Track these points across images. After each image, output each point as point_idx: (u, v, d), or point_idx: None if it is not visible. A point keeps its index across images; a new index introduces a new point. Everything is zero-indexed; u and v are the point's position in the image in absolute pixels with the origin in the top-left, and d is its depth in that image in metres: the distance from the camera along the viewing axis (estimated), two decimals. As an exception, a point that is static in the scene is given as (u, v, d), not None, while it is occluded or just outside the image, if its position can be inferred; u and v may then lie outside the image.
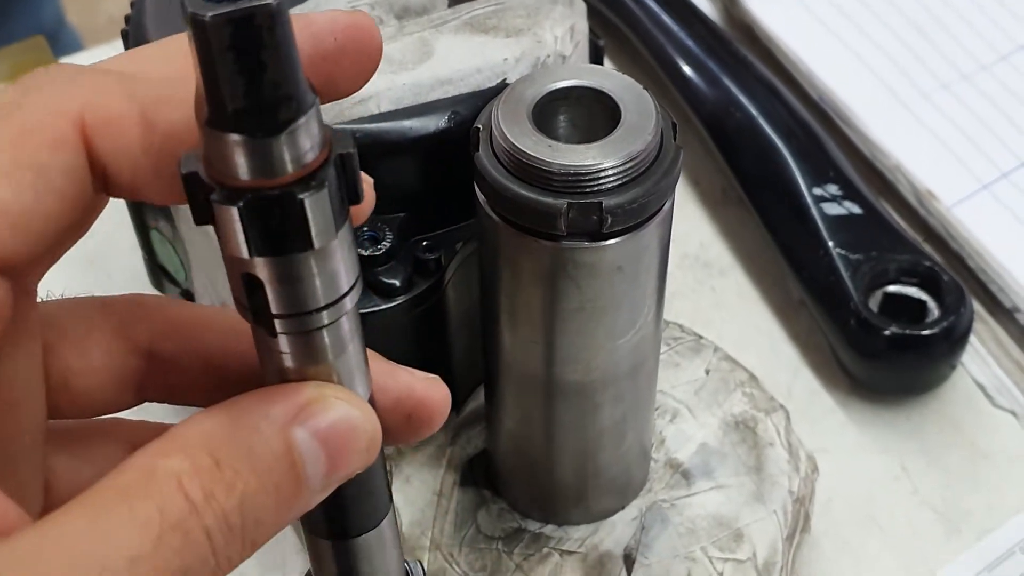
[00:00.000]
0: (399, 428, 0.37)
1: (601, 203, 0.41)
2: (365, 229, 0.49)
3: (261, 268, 0.30)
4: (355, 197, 0.30)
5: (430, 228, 0.51)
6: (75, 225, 0.32)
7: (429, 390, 0.37)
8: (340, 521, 0.36)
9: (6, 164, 0.30)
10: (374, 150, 0.48)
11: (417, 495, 0.55)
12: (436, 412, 0.38)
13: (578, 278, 0.43)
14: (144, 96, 0.32)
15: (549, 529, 0.54)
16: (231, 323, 0.37)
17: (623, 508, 0.54)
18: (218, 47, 0.26)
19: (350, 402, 0.33)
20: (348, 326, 0.32)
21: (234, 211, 0.28)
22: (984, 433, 0.63)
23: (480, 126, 0.43)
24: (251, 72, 0.27)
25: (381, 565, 0.38)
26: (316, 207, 0.28)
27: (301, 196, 0.28)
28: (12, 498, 0.30)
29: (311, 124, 0.28)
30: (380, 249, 0.49)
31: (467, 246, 0.51)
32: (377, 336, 0.49)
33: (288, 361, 0.32)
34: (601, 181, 0.41)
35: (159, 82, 0.33)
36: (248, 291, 0.30)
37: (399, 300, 0.49)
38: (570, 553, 0.53)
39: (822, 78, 0.75)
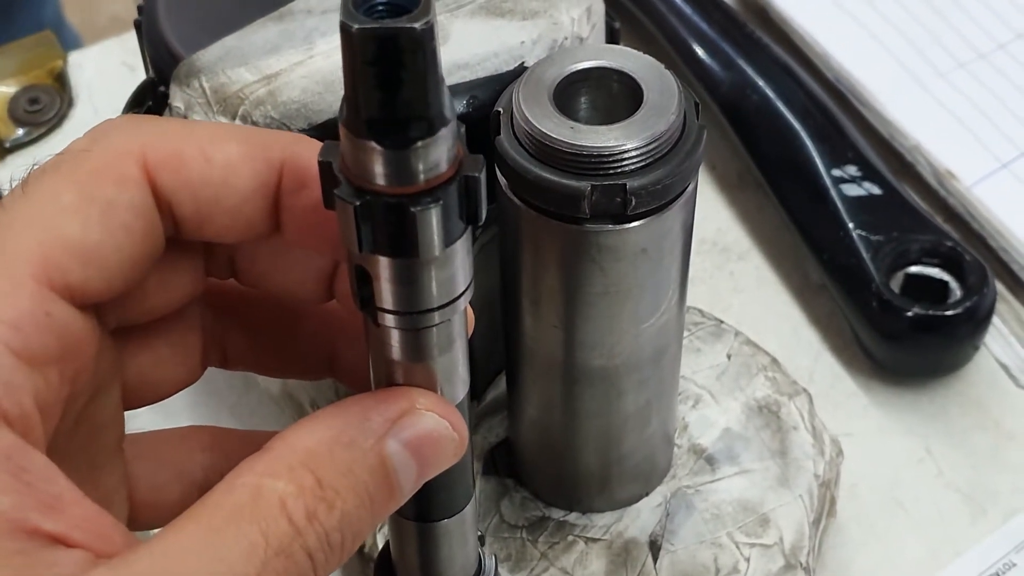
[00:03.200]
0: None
1: (625, 185, 0.40)
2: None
3: (370, 263, 0.32)
4: (475, 218, 0.32)
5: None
6: (146, 261, 0.34)
7: None
8: (426, 506, 0.38)
9: (75, 201, 0.32)
10: (392, 136, 0.47)
11: (439, 485, 0.54)
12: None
13: (602, 261, 0.43)
14: (202, 135, 0.34)
15: (573, 517, 0.53)
16: (275, 299, 0.40)
17: (647, 495, 0.54)
18: (361, 59, 0.28)
19: (439, 411, 0.35)
20: (452, 329, 0.34)
21: (351, 208, 0.30)
22: (1009, 414, 0.63)
23: (500, 110, 0.43)
24: (387, 87, 0.29)
25: (460, 548, 0.40)
26: (426, 222, 0.30)
27: (414, 209, 0.30)
28: (101, 506, 0.32)
29: (439, 145, 0.30)
30: (400, 236, 0.49)
31: (487, 232, 0.50)
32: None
33: (392, 354, 0.34)
34: (624, 162, 0.41)
35: (217, 125, 0.34)
36: (358, 280, 0.33)
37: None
38: (595, 540, 0.52)
39: (838, 59, 0.74)
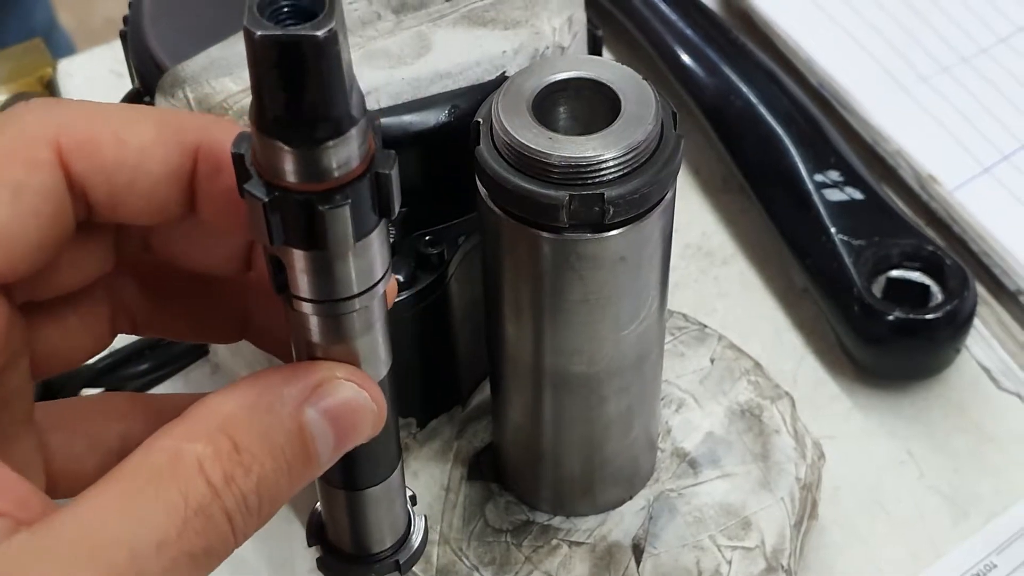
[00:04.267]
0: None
1: (603, 194, 0.41)
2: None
3: (283, 254, 0.32)
4: (387, 212, 0.32)
5: (432, 222, 0.51)
6: (55, 244, 0.34)
7: None
8: (352, 475, 0.39)
9: None
10: (375, 146, 0.48)
11: (425, 490, 0.55)
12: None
13: (581, 270, 0.43)
14: (117, 118, 0.34)
15: (557, 521, 0.54)
16: (198, 271, 0.40)
17: (631, 498, 0.54)
18: (264, 63, 0.29)
19: (357, 382, 0.35)
20: (371, 313, 0.35)
21: (259, 204, 0.31)
22: (990, 416, 0.63)
23: (480, 120, 0.43)
24: (291, 91, 0.29)
25: (387, 513, 0.41)
26: (335, 219, 0.31)
27: (322, 208, 0.31)
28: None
29: (347, 144, 0.30)
30: (383, 245, 0.49)
31: (470, 240, 0.51)
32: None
33: (311, 336, 0.35)
34: (602, 172, 0.41)
35: (132, 108, 0.35)
36: (273, 268, 0.33)
37: (403, 295, 0.49)
38: (579, 544, 0.53)
39: (821, 64, 0.75)
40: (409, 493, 0.43)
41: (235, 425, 0.33)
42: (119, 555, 0.30)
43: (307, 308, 0.34)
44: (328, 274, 0.33)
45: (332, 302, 0.34)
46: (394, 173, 0.31)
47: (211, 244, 0.38)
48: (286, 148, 0.30)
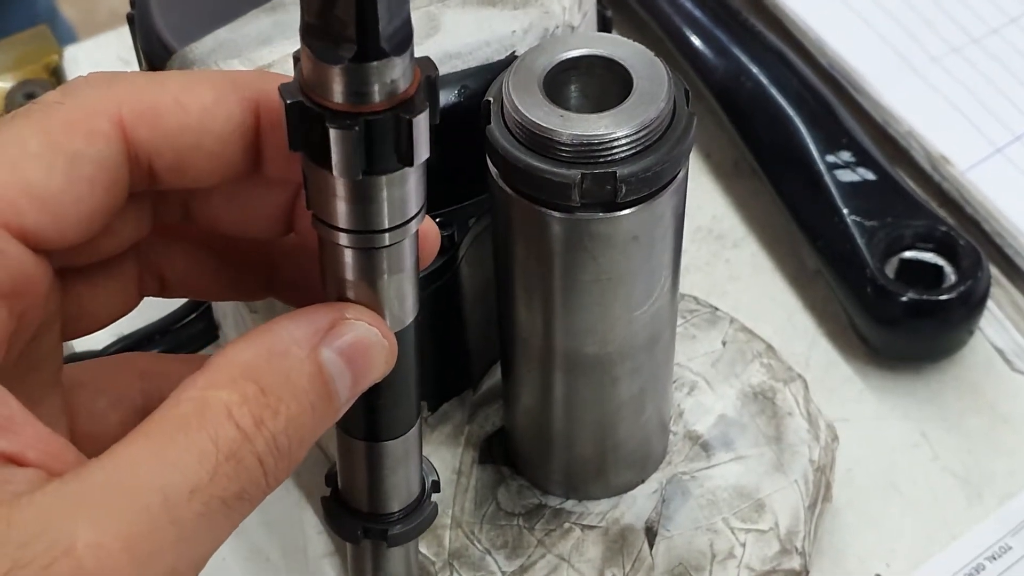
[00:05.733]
0: None
1: (615, 172, 0.41)
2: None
3: (370, 187, 0.33)
4: (435, 117, 0.33)
5: (442, 205, 0.50)
6: (106, 214, 0.35)
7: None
8: (374, 426, 0.40)
9: (41, 149, 0.33)
10: (384, 127, 0.48)
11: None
12: (427, 244, 0.39)
13: (593, 249, 0.43)
14: (175, 84, 0.35)
15: (570, 504, 0.54)
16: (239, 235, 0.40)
17: (643, 482, 0.54)
18: None
19: (367, 320, 0.36)
20: (403, 251, 0.36)
21: (350, 133, 0.31)
22: (1004, 398, 0.63)
23: (491, 99, 0.43)
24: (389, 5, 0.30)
25: (404, 468, 0.42)
26: (419, 127, 0.32)
27: (408, 117, 0.32)
28: None
29: (368, 74, 0.31)
30: (393, 227, 0.49)
31: (480, 222, 0.50)
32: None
33: (350, 274, 0.36)
34: (614, 150, 0.41)
35: (188, 73, 0.36)
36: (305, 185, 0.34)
37: (413, 278, 0.49)
38: (591, 527, 0.53)
39: (832, 45, 0.74)
40: (433, 478, 0.44)
41: (257, 370, 0.33)
42: (153, 500, 0.30)
43: (333, 236, 0.34)
44: (350, 201, 0.33)
45: (356, 233, 0.34)
46: (418, 120, 0.32)
47: (254, 205, 0.38)
48: (308, 53, 0.31)
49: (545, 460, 0.53)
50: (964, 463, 0.61)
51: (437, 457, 0.55)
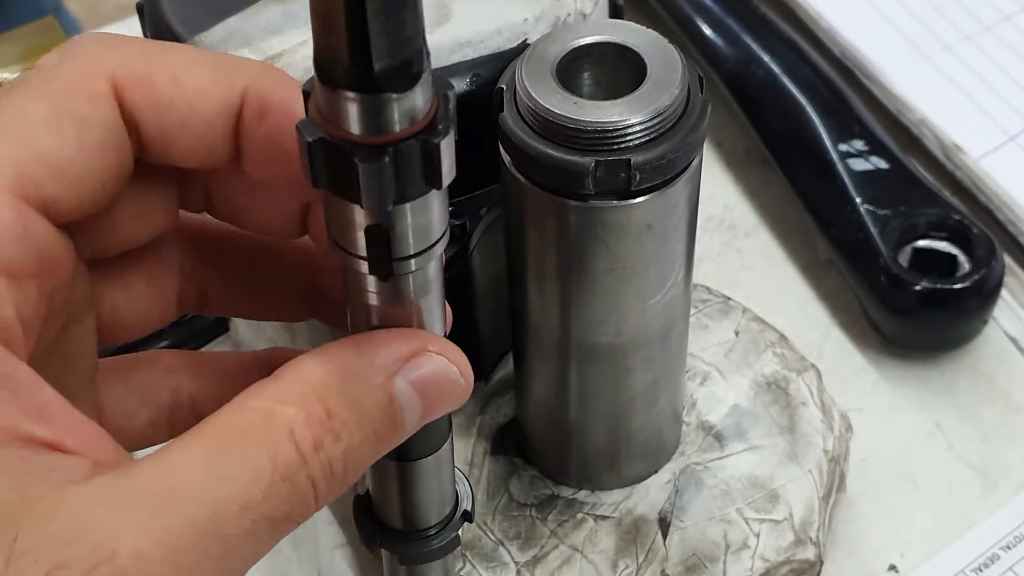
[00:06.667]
0: None
1: (629, 160, 0.40)
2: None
3: (396, 216, 0.32)
4: (434, 182, 0.32)
5: (454, 194, 0.49)
6: (117, 180, 0.34)
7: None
8: (405, 446, 0.38)
9: (48, 117, 0.32)
10: (395, 116, 0.47)
11: (448, 465, 0.54)
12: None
13: (607, 238, 0.43)
14: (174, 58, 0.34)
15: (582, 495, 0.53)
16: (255, 240, 0.40)
17: (656, 472, 0.54)
18: (373, 11, 0.28)
19: (448, 355, 0.35)
20: (428, 274, 0.35)
21: (380, 166, 0.30)
22: (1018, 387, 0.63)
23: (504, 86, 0.43)
24: (329, 34, 0.29)
25: (436, 484, 0.41)
26: (446, 149, 0.31)
27: (436, 140, 0.31)
28: None
29: (383, 106, 0.30)
30: (404, 216, 0.48)
31: (492, 211, 0.50)
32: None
33: (367, 298, 0.35)
34: (628, 138, 0.40)
35: (189, 49, 0.35)
36: (371, 242, 0.33)
37: (425, 267, 0.49)
38: (604, 518, 0.52)
39: (844, 33, 0.74)
40: (466, 507, 0.44)
41: (328, 391, 0.33)
42: (201, 512, 0.30)
43: (358, 265, 0.34)
44: (423, 221, 0.33)
45: (416, 256, 0.34)
46: (443, 144, 0.31)
47: (267, 201, 0.38)
48: (325, 89, 0.30)
49: (558, 451, 0.53)
50: (979, 453, 0.61)
51: (449, 448, 0.55)
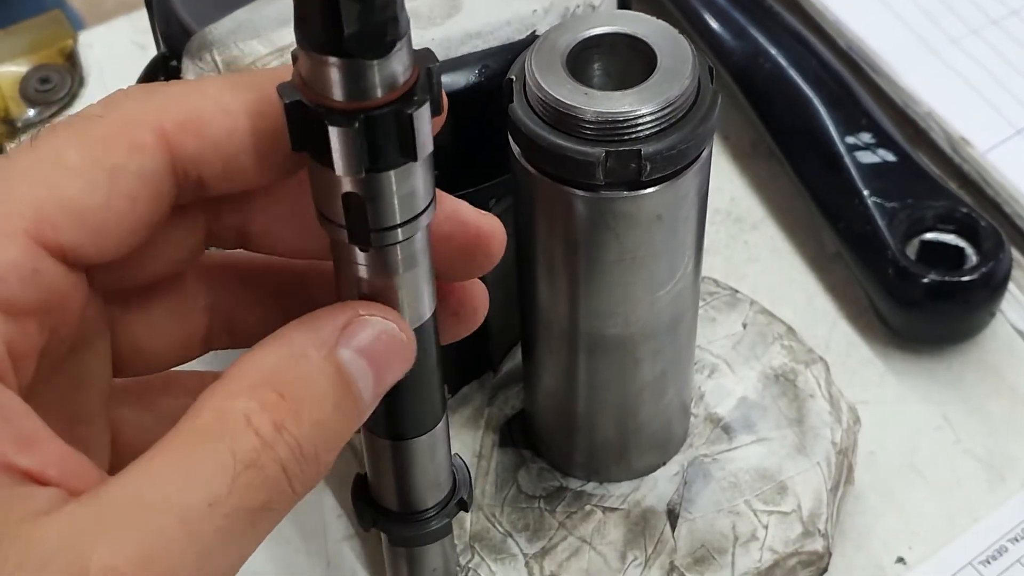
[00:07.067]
0: (457, 261, 0.39)
1: (640, 150, 0.40)
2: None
3: (367, 184, 0.32)
4: (438, 109, 0.33)
5: (463, 186, 0.50)
6: (147, 228, 0.34)
7: (484, 223, 0.39)
8: (399, 425, 0.40)
9: (80, 163, 0.32)
10: (404, 107, 0.47)
11: (456, 456, 0.54)
12: (494, 243, 0.39)
13: (617, 229, 0.43)
14: (213, 90, 0.34)
15: (591, 487, 0.53)
16: (284, 267, 0.40)
17: (664, 464, 0.54)
18: None
19: (380, 315, 0.35)
20: (415, 247, 0.35)
21: (349, 131, 0.31)
22: (1026, 380, 0.63)
23: (513, 77, 0.43)
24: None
25: (431, 464, 0.42)
26: (420, 120, 0.32)
27: (409, 111, 0.31)
28: (81, 451, 0.32)
29: (407, 47, 0.31)
30: (413, 208, 0.48)
31: (501, 203, 0.50)
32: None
33: (364, 273, 0.35)
34: (639, 128, 0.41)
35: (223, 78, 0.35)
36: (347, 209, 0.33)
37: (434, 259, 0.49)
38: (613, 510, 0.52)
39: (850, 26, 0.74)
40: (463, 496, 0.44)
41: (276, 376, 0.33)
42: (168, 518, 0.30)
43: (343, 235, 0.34)
44: (405, 191, 0.33)
45: (378, 231, 0.34)
46: (419, 114, 0.31)
47: (308, 223, 0.37)
48: (304, 52, 0.31)
49: (566, 442, 0.53)
50: (986, 446, 0.61)
51: (458, 440, 0.55)
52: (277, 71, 0.35)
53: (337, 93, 0.31)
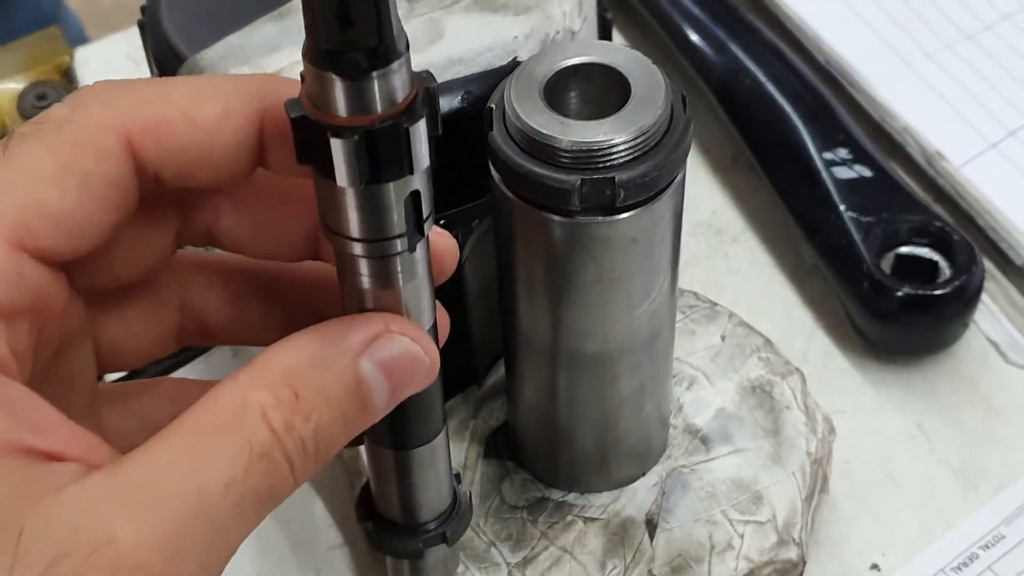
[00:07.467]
0: None
1: (614, 178, 0.42)
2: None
3: (367, 196, 0.35)
4: (435, 128, 0.35)
5: (447, 207, 0.51)
6: (115, 225, 0.36)
7: (438, 241, 0.40)
8: (401, 435, 0.42)
9: (55, 171, 0.35)
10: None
11: (442, 468, 0.56)
12: (447, 259, 0.41)
13: (593, 251, 0.44)
14: (182, 97, 0.36)
15: (572, 497, 0.55)
16: (255, 267, 0.42)
17: (644, 475, 0.55)
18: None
19: (411, 335, 0.37)
20: (415, 258, 0.37)
21: (350, 143, 0.33)
22: (998, 390, 0.64)
23: (493, 105, 0.44)
24: (379, 19, 0.32)
25: (433, 473, 0.43)
26: (417, 135, 0.34)
27: (406, 126, 0.33)
28: None
29: (406, 66, 0.33)
30: (398, 229, 0.50)
31: (483, 223, 0.52)
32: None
33: (360, 282, 0.37)
34: (613, 156, 0.42)
35: (196, 81, 0.37)
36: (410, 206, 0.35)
37: (418, 278, 0.50)
38: (593, 520, 0.54)
39: (829, 42, 0.75)
40: (455, 471, 0.45)
41: (295, 376, 0.35)
42: (189, 495, 0.32)
43: (347, 247, 0.36)
44: (360, 210, 0.35)
45: (369, 242, 0.36)
46: (416, 128, 0.33)
47: (278, 224, 0.40)
48: (310, 70, 0.32)
49: (548, 454, 0.55)
50: (959, 455, 0.62)
51: (443, 452, 0.56)
52: (241, 79, 0.37)
53: (341, 109, 0.33)
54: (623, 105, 0.43)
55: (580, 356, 0.49)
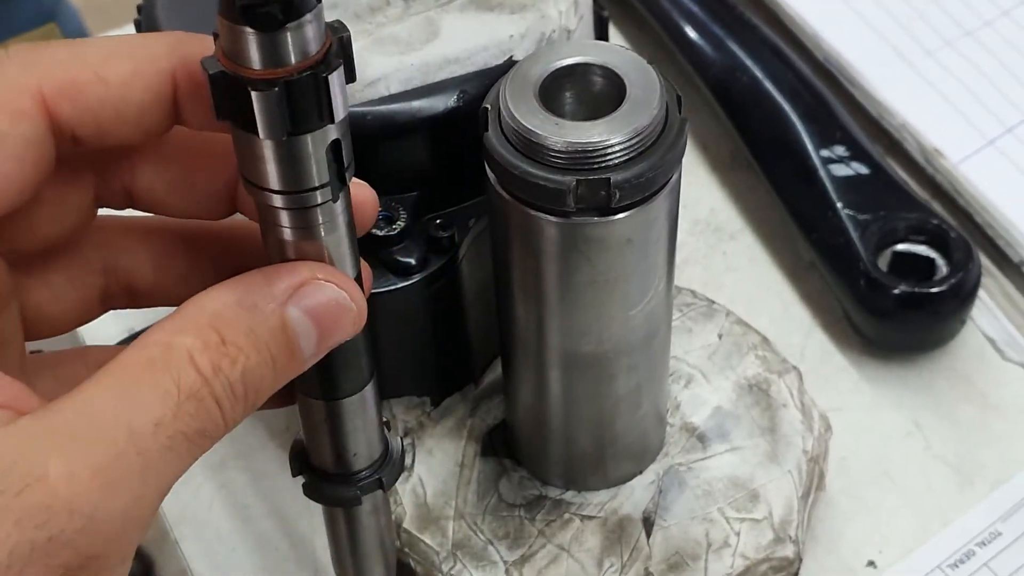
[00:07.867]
0: None
1: (609, 179, 0.42)
2: (379, 209, 0.51)
3: (288, 148, 0.35)
4: (352, 76, 0.35)
5: (443, 206, 0.52)
6: (33, 185, 0.37)
7: (357, 191, 0.40)
8: (331, 385, 0.42)
9: None
10: (385, 131, 0.49)
11: (440, 466, 0.56)
12: (367, 208, 0.41)
13: (589, 252, 0.44)
14: (94, 57, 0.37)
15: (569, 495, 0.55)
16: (176, 227, 0.43)
17: (641, 473, 0.55)
18: None
19: (338, 283, 0.38)
20: (335, 210, 0.37)
21: (271, 95, 0.33)
22: (995, 386, 0.64)
23: (489, 106, 0.44)
24: None
25: (364, 422, 0.44)
26: (335, 84, 0.34)
27: (324, 75, 0.34)
28: None
29: (319, 17, 0.33)
30: (395, 229, 0.50)
31: (480, 222, 0.52)
32: (395, 314, 0.51)
33: (289, 236, 0.37)
34: (608, 157, 0.42)
35: (109, 42, 0.37)
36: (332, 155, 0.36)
37: (415, 278, 0.50)
38: (590, 518, 0.54)
39: (827, 39, 0.75)
40: (385, 419, 0.46)
41: (222, 320, 0.36)
42: (119, 433, 0.33)
43: (268, 199, 0.36)
44: (280, 162, 0.35)
45: (289, 194, 0.36)
46: (333, 78, 0.34)
47: (195, 183, 0.41)
48: (225, 25, 0.33)
49: (545, 453, 0.55)
50: (956, 451, 0.62)
51: (440, 450, 0.56)
52: (152, 37, 0.38)
53: (257, 63, 0.33)
54: (618, 106, 0.43)
55: (576, 356, 0.49)
